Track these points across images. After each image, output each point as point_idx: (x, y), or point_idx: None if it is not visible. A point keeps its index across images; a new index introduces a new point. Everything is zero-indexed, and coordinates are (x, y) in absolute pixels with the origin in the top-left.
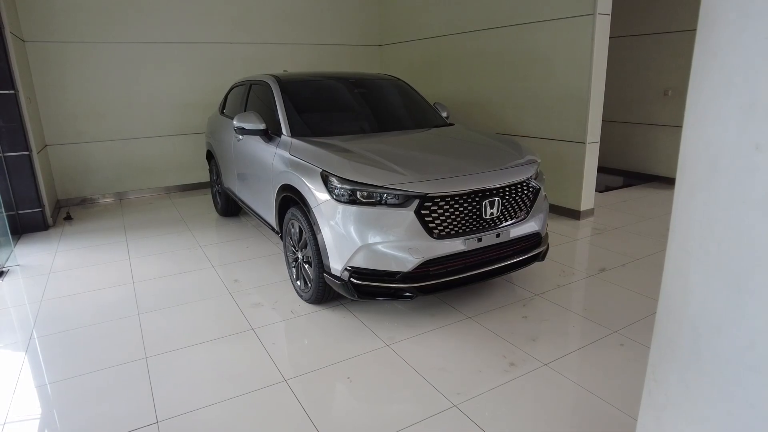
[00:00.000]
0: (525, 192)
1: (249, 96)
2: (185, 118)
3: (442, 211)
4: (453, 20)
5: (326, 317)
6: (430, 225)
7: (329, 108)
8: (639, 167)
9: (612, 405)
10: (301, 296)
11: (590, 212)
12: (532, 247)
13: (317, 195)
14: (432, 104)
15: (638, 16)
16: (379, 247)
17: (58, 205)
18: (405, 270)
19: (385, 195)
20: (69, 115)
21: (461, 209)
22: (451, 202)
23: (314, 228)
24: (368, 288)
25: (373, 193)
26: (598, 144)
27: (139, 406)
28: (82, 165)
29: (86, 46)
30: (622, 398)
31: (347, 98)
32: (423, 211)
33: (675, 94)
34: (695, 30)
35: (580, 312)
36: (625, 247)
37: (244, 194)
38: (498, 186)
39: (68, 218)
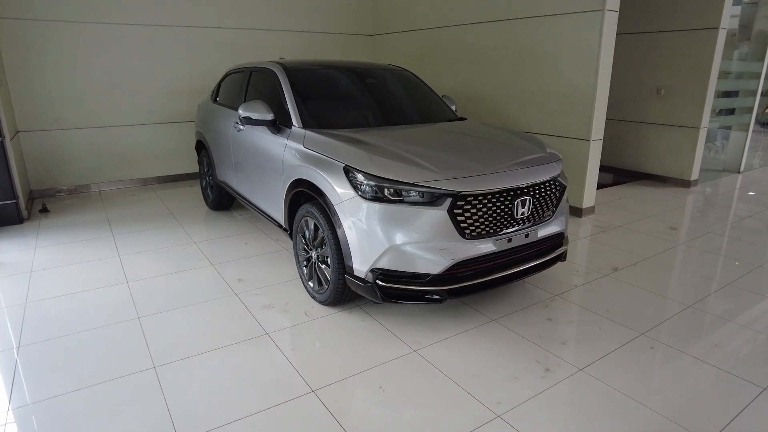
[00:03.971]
0: (553, 190)
1: (249, 84)
2: (170, 105)
3: (475, 210)
4: (452, 11)
5: (344, 320)
6: (462, 225)
7: (339, 99)
8: (629, 165)
9: (657, 413)
10: (314, 297)
11: (591, 210)
12: (556, 247)
13: (340, 192)
14: (440, 97)
15: (633, 14)
16: (409, 247)
17: (32, 196)
18: (435, 272)
19: (415, 193)
20: (44, 100)
21: (494, 208)
22: (483, 201)
23: (335, 227)
24: (395, 291)
25: (402, 190)
26: (602, 141)
27: (155, 423)
28: (58, 153)
29: (64, 25)
30: (667, 405)
31: (357, 89)
32: (456, 211)
33: (668, 93)
34: (691, 30)
35: (603, 313)
36: (632, 246)
37: (244, 188)
38: (530, 184)
39: (44, 210)
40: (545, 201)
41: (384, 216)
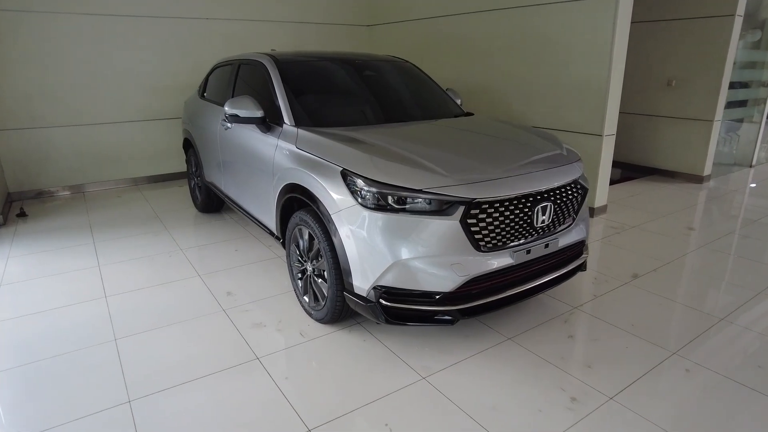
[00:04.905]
0: (575, 194)
1: (237, 78)
2: (156, 101)
3: (491, 219)
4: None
5: (344, 341)
6: (476, 236)
7: (335, 94)
8: (638, 159)
9: None
10: (310, 314)
11: (604, 209)
12: (576, 256)
13: (337, 199)
14: (445, 90)
15: (642, 1)
16: (416, 263)
17: (9, 199)
18: (446, 290)
19: (422, 200)
20: (21, 96)
21: (512, 217)
22: (500, 209)
23: (332, 238)
24: (401, 311)
25: (408, 198)
26: (614, 137)
27: None
28: (37, 153)
29: (43, 16)
30: None
31: (355, 83)
32: (469, 220)
33: (679, 84)
34: (702, 17)
35: (628, 328)
36: (650, 249)
37: (233, 191)
38: (551, 188)
39: (22, 215)
40: (567, 207)
41: (387, 227)
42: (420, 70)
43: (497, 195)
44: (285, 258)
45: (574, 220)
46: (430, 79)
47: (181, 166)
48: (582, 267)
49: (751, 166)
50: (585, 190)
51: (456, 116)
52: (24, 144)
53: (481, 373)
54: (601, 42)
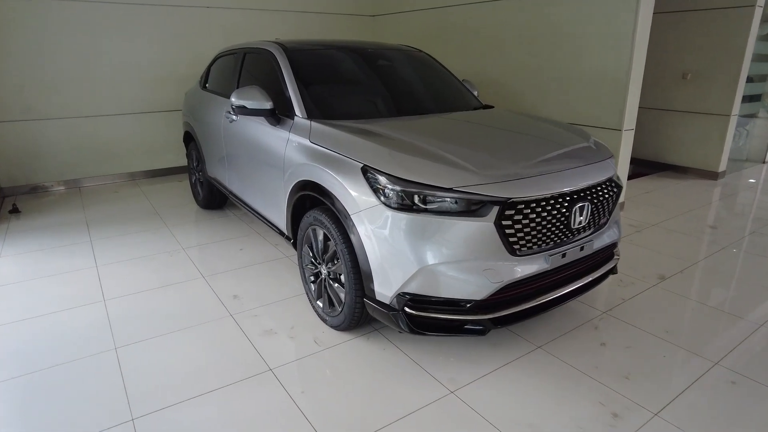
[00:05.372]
0: (611, 193)
1: (243, 68)
2: (155, 93)
3: (527, 221)
4: None
5: (362, 350)
6: (511, 239)
7: (349, 85)
8: (649, 155)
9: None
10: (324, 320)
11: (621, 206)
12: (608, 258)
13: (356, 198)
14: (461, 81)
15: None
16: (445, 268)
17: (2, 195)
18: (478, 298)
19: (451, 200)
20: (13, 88)
21: (549, 218)
22: (537, 209)
23: (351, 240)
24: (427, 320)
25: (436, 197)
26: (633, 131)
27: None
28: (30, 147)
29: (35, 3)
30: None
31: (369, 73)
32: (504, 222)
33: (695, 77)
34: (723, 8)
35: (663, 335)
36: (673, 249)
37: (238, 187)
38: (587, 186)
39: (15, 211)
40: (603, 206)
41: (413, 229)
42: (434, 59)
43: (534, 194)
44: (293, 258)
45: (608, 220)
46: (446, 69)
47: (180, 160)
48: (614, 270)
49: (764, 162)
50: (620, 188)
51: (475, 109)
52: (16, 137)
53: (513, 386)
54: (622, 31)
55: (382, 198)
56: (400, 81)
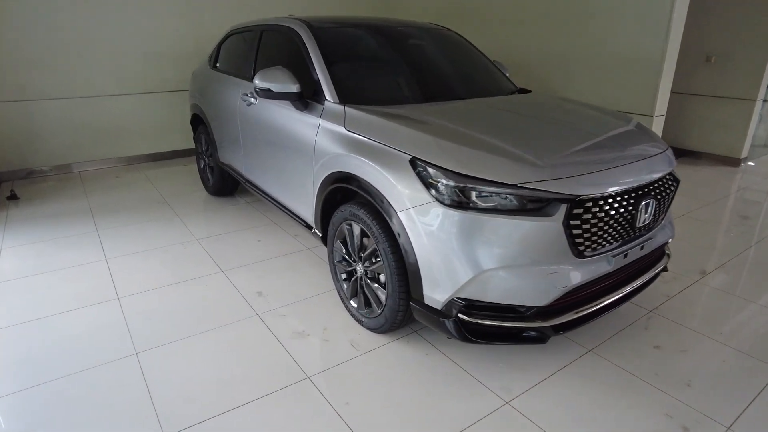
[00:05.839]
0: (672, 187)
1: (260, 47)
2: (158, 71)
3: (596, 220)
4: None
5: (403, 355)
6: (577, 240)
7: (380, 66)
8: (667, 140)
9: None
10: (360, 322)
11: None
12: (660, 256)
13: (404, 193)
14: (493, 62)
15: None
16: (506, 272)
17: None
18: (541, 304)
19: (513, 197)
20: (6, 66)
21: (616, 215)
22: (605, 207)
23: (397, 239)
24: (484, 328)
25: (499, 194)
26: (664, 117)
27: None
28: (26, 128)
29: None
30: None
31: (401, 53)
32: (572, 221)
33: (720, 60)
34: None
35: (717, 337)
36: (708, 241)
37: (257, 176)
38: (653, 180)
39: (13, 197)
40: (665, 202)
41: (471, 229)
42: (465, 39)
43: (603, 191)
44: (314, 250)
45: (665, 217)
46: (478, 50)
47: (184, 143)
48: (665, 268)
49: None
50: (678, 182)
51: (512, 93)
52: (11, 118)
53: (572, 396)
54: (658, 9)
55: (434, 194)
56: (433, 62)
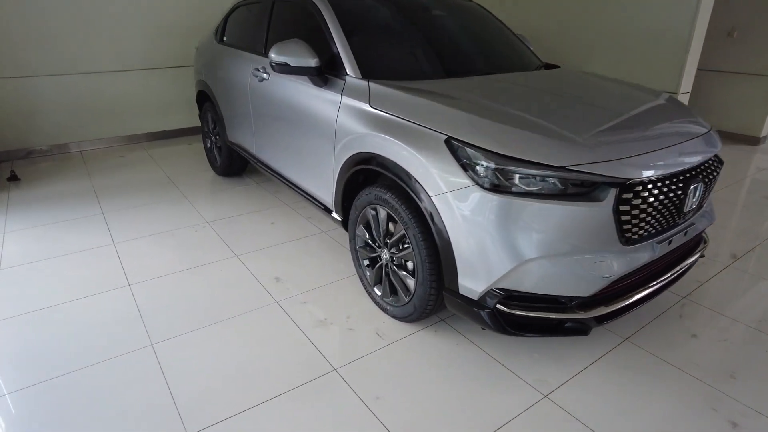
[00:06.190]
0: (717, 170)
1: (272, 18)
2: (161, 46)
3: (645, 205)
4: None
5: (433, 345)
6: (624, 226)
7: (403, 38)
8: None
9: None
10: (384, 310)
11: None
12: (697, 243)
13: (439, 176)
14: (517, 35)
15: None
16: (550, 261)
17: None
18: (585, 294)
19: (559, 181)
20: (3, 41)
21: (665, 200)
22: (654, 192)
23: (430, 225)
24: (522, 320)
25: (545, 177)
26: (689, 95)
27: None
28: (25, 106)
29: None
30: None
31: (424, 25)
32: (621, 207)
33: (742, 35)
34: None
35: (756, 325)
36: (736, 223)
37: (270, 156)
38: (700, 162)
39: (13, 178)
40: (711, 185)
41: (513, 215)
42: (488, 11)
43: (653, 173)
44: (330, 233)
45: (708, 201)
46: (501, 22)
47: (188, 121)
48: (703, 254)
49: None
50: (722, 163)
51: (538, 68)
52: (9, 96)
53: (612, 389)
54: None
55: (473, 177)
56: (458, 35)
